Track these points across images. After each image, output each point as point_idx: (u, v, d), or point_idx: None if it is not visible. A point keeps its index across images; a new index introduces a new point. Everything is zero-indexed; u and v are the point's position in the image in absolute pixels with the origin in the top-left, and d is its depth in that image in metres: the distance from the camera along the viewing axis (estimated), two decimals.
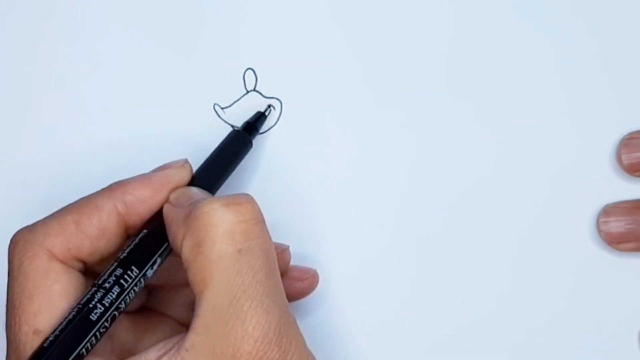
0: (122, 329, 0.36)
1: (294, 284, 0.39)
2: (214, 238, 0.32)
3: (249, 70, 0.42)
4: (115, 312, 0.33)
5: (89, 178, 0.38)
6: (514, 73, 0.42)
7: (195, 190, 0.36)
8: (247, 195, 0.33)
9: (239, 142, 0.40)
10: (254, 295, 0.32)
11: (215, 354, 0.31)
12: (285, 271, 0.39)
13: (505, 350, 0.41)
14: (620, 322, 0.41)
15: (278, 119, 0.42)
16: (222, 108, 0.42)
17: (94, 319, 0.32)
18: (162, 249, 0.35)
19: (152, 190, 0.35)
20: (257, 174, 0.42)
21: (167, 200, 0.35)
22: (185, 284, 0.37)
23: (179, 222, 0.33)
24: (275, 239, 0.40)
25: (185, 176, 0.36)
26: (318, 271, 0.41)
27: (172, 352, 0.32)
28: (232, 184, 0.41)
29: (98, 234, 0.34)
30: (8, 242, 0.35)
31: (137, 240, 0.35)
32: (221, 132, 0.40)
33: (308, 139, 0.42)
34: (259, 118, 0.41)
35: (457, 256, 0.41)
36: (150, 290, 0.39)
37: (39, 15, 0.42)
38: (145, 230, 0.35)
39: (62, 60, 0.42)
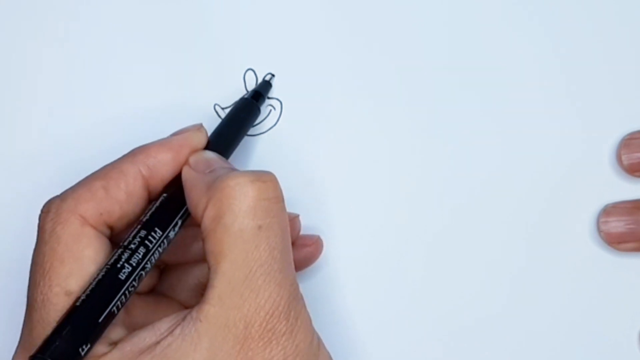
0: (135, 307, 0.36)
1: (302, 250, 0.40)
2: (236, 212, 0.33)
3: (249, 71, 0.42)
4: (142, 272, 0.34)
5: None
6: (515, 73, 0.42)
7: (212, 155, 0.37)
8: (271, 173, 0.34)
9: (248, 109, 0.40)
10: (269, 270, 0.32)
11: (228, 325, 0.32)
12: (295, 239, 0.40)
13: (505, 350, 0.41)
14: (620, 322, 0.41)
15: (278, 119, 0.42)
16: (222, 108, 0.42)
17: (122, 278, 0.33)
18: (182, 211, 0.35)
19: (173, 153, 0.36)
20: None
21: (186, 163, 0.36)
22: (197, 261, 0.38)
23: (201, 190, 0.34)
24: None
25: (202, 139, 0.37)
26: (318, 272, 0.41)
27: (185, 322, 0.32)
28: None
29: (126, 198, 0.35)
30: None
31: (158, 203, 0.35)
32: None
33: (308, 139, 0.42)
34: (265, 86, 0.42)
35: (457, 255, 0.41)
36: (161, 273, 0.39)
37: (40, 14, 0.43)
38: (165, 194, 0.36)
39: (62, 60, 0.42)
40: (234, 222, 0.33)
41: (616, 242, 0.41)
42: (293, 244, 0.39)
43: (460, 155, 0.42)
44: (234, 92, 0.42)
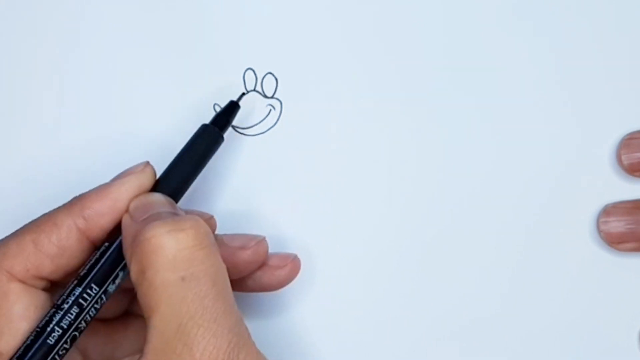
0: (98, 339, 0.36)
1: (274, 272, 0.39)
2: (156, 266, 0.31)
3: (249, 70, 0.42)
4: (76, 333, 0.33)
5: (89, 177, 0.38)
6: (514, 73, 0.42)
7: (155, 198, 0.35)
8: (193, 218, 0.33)
9: (207, 138, 0.38)
10: (200, 321, 0.31)
11: None
12: (264, 262, 0.39)
13: (505, 350, 0.41)
14: (620, 322, 0.41)
15: (278, 119, 0.42)
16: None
17: (51, 342, 0.32)
18: (124, 263, 0.34)
19: (111, 201, 0.35)
20: (257, 173, 0.42)
21: (127, 210, 0.35)
22: None
23: (128, 241, 0.33)
24: (274, 240, 0.40)
25: (146, 181, 0.36)
26: (318, 273, 0.41)
27: None
28: (231, 184, 0.41)
29: (58, 252, 0.34)
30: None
31: (97, 254, 0.34)
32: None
33: (308, 139, 0.42)
34: (229, 108, 0.39)
35: (457, 255, 0.41)
36: (133, 294, 0.39)
37: (39, 15, 0.42)
38: (106, 244, 0.34)
39: (62, 60, 0.42)
40: (155, 277, 0.31)
41: (616, 242, 0.41)
42: (262, 265, 0.38)
43: (460, 156, 0.42)
44: (234, 92, 0.42)
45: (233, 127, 0.41)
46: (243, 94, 0.41)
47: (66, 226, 0.34)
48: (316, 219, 0.41)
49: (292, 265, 0.39)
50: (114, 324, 0.37)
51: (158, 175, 0.37)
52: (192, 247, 0.32)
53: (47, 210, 0.35)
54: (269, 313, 0.41)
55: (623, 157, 0.41)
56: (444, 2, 0.42)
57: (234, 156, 0.41)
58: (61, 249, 0.34)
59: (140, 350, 0.32)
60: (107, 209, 0.34)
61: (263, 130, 0.42)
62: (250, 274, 0.38)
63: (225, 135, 0.39)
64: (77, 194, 0.36)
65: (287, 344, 0.41)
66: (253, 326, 0.34)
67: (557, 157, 0.42)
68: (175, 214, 0.34)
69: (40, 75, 0.42)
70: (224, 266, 0.33)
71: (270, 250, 0.39)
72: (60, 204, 0.35)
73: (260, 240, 0.38)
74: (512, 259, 0.41)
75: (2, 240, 0.34)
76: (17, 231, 0.35)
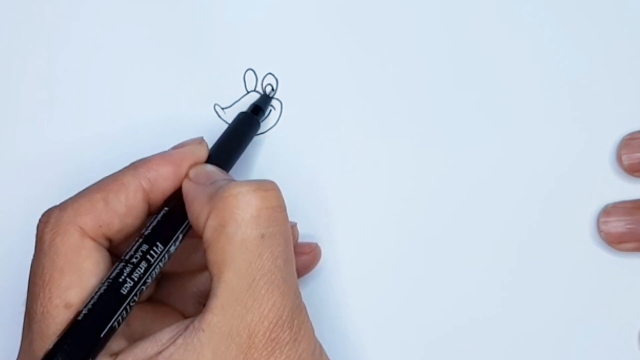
0: (134, 316, 0.36)
1: (299, 258, 0.40)
2: (239, 221, 0.32)
3: (249, 71, 0.42)
4: (143, 287, 0.34)
5: (89, 177, 0.38)
6: (514, 73, 0.42)
7: (212, 168, 0.37)
8: (273, 182, 0.34)
9: (248, 122, 0.40)
10: (272, 279, 0.32)
11: (232, 334, 0.32)
12: (294, 247, 0.39)
13: (505, 350, 0.41)
14: (620, 322, 0.41)
15: (278, 119, 0.42)
16: (223, 108, 0.42)
17: (124, 292, 0.33)
18: (184, 225, 0.35)
19: (174, 166, 0.36)
20: (256, 173, 0.42)
21: (186, 177, 0.36)
22: (195, 271, 0.38)
23: (203, 201, 0.34)
24: None
25: (203, 153, 0.37)
26: (318, 273, 0.41)
27: (187, 332, 0.32)
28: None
29: (126, 211, 0.35)
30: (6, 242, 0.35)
31: (159, 217, 0.35)
32: (222, 132, 0.40)
33: (308, 139, 0.42)
34: (265, 100, 0.42)
35: (457, 255, 0.41)
36: (159, 281, 0.39)
37: (40, 14, 0.42)
38: (166, 208, 0.35)
39: (62, 60, 0.42)
40: (237, 232, 0.32)
41: (616, 242, 0.41)
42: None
43: (461, 156, 0.42)
44: (234, 92, 0.42)
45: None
46: (273, 88, 0.42)
47: (134, 186, 0.35)
48: (316, 219, 0.42)
49: (315, 252, 0.41)
50: (144, 307, 0.38)
51: None
52: (274, 207, 0.33)
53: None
54: None
55: (623, 157, 0.41)
56: (445, 4, 0.42)
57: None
58: (129, 208, 0.35)
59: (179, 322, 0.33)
60: (170, 173, 0.36)
61: (263, 131, 0.42)
62: None
63: None
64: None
65: None
66: None
67: (557, 157, 0.42)
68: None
69: (34, 74, 0.42)
70: (291, 231, 0.35)
71: None
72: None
73: (294, 225, 0.40)
74: (512, 258, 0.41)
75: (71, 198, 0.35)
76: (85, 190, 0.35)
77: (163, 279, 0.39)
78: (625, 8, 0.42)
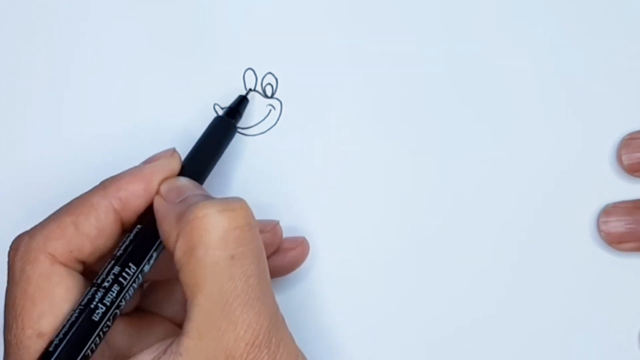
0: (116, 332, 0.36)
1: (287, 254, 0.40)
2: (207, 244, 0.32)
3: (249, 70, 0.42)
4: (117, 311, 0.33)
5: (88, 177, 0.38)
6: (514, 74, 0.42)
7: (185, 182, 0.36)
8: (241, 200, 0.33)
9: (223, 127, 0.40)
10: (245, 299, 0.32)
11: (208, 358, 0.32)
12: (279, 246, 0.40)
13: (505, 350, 0.41)
14: (620, 322, 0.41)
15: (278, 119, 0.42)
16: (222, 108, 0.42)
17: (96, 319, 0.33)
18: (157, 243, 0.35)
19: (145, 183, 0.35)
20: (256, 173, 0.42)
21: (158, 192, 0.35)
22: None
23: (172, 221, 0.33)
24: None
25: (175, 166, 0.36)
26: (317, 273, 0.41)
27: (165, 356, 0.32)
28: (231, 184, 0.41)
29: (97, 233, 0.34)
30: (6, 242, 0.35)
31: (131, 236, 0.35)
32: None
33: (308, 139, 0.42)
34: (241, 102, 0.41)
35: (456, 255, 0.41)
36: (145, 290, 0.39)
37: (38, 14, 0.42)
38: (139, 226, 0.35)
39: (62, 59, 0.42)
40: (205, 255, 0.32)
41: (616, 242, 0.41)
42: (277, 249, 0.39)
43: (459, 156, 0.42)
44: (234, 91, 0.42)
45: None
46: (250, 89, 0.41)
47: (104, 207, 0.34)
48: (316, 219, 0.41)
49: (302, 246, 0.40)
50: (129, 319, 0.37)
51: None
52: (242, 227, 0.33)
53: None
54: None
55: (623, 157, 0.41)
56: (446, 5, 0.42)
57: (234, 156, 0.41)
58: (100, 229, 0.34)
59: (158, 343, 0.33)
60: (141, 190, 0.35)
61: (263, 130, 0.42)
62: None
63: None
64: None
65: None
66: None
67: (557, 157, 0.42)
68: (210, 197, 0.35)
69: (41, 74, 0.42)
70: (264, 247, 0.34)
71: None
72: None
73: (276, 224, 0.40)
74: (512, 258, 0.41)
75: (41, 223, 0.35)
76: (54, 214, 0.35)
77: (150, 287, 0.39)
78: (625, 8, 0.42)
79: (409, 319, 0.41)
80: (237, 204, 0.33)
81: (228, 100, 0.42)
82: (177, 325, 0.38)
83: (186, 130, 0.41)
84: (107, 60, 0.42)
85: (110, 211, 0.34)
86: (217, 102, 0.42)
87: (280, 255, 0.40)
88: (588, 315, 0.41)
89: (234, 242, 0.32)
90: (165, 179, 0.36)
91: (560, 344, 0.41)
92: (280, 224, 0.40)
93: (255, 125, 0.42)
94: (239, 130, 0.41)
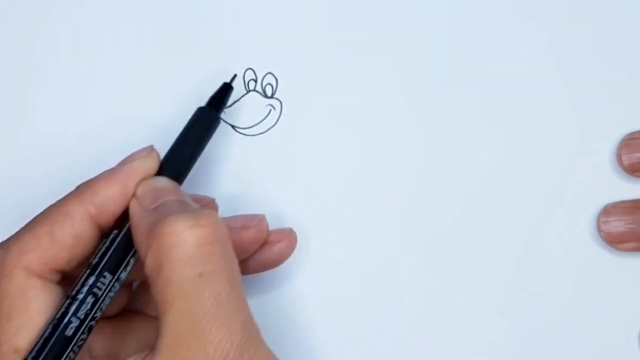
0: (102, 338, 0.36)
1: (273, 247, 0.39)
2: (175, 261, 0.31)
3: (249, 70, 0.42)
4: (92, 323, 0.33)
5: (86, 176, 0.38)
6: (514, 73, 0.42)
7: (162, 183, 0.35)
8: (211, 214, 0.33)
9: (205, 120, 0.38)
10: (215, 317, 0.31)
11: None
12: (265, 240, 0.39)
13: (505, 350, 0.41)
14: (620, 322, 0.41)
15: (278, 119, 0.42)
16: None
17: (69, 334, 0.32)
18: (134, 249, 0.34)
19: (120, 186, 0.34)
20: (256, 173, 0.42)
21: (134, 195, 0.35)
22: None
23: (143, 232, 0.33)
24: None
25: (153, 165, 0.36)
26: (316, 273, 0.41)
27: None
28: (231, 183, 0.41)
29: (73, 241, 0.34)
30: None
31: (107, 242, 0.34)
32: (222, 132, 0.40)
33: (308, 139, 0.42)
34: (224, 90, 0.39)
35: (456, 256, 0.41)
36: (134, 291, 0.39)
37: (35, 12, 0.42)
38: (115, 231, 0.34)
39: (62, 59, 0.42)
40: (173, 272, 0.31)
41: (616, 242, 0.41)
42: (264, 244, 0.39)
43: (460, 156, 0.42)
44: (234, 91, 0.41)
45: (233, 127, 0.41)
46: (235, 75, 0.40)
47: (79, 215, 0.34)
48: (316, 219, 0.41)
49: (289, 238, 0.40)
50: (117, 321, 0.37)
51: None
52: (210, 244, 0.32)
53: (41, 202, 0.35)
54: (263, 307, 0.41)
55: (623, 157, 0.41)
56: (446, 4, 0.42)
57: (234, 156, 0.41)
58: (76, 238, 0.34)
59: (146, 346, 0.33)
60: (117, 194, 0.34)
61: (263, 130, 0.42)
62: (252, 254, 0.39)
63: (225, 134, 0.39)
64: (77, 181, 0.35)
65: (282, 333, 0.41)
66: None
67: (557, 157, 0.42)
68: (185, 203, 0.34)
69: (41, 76, 0.42)
70: (237, 261, 0.33)
71: None
72: (55, 194, 0.35)
73: (261, 219, 0.39)
74: (512, 258, 0.41)
75: (16, 235, 0.34)
76: (29, 224, 0.34)
77: (138, 287, 0.39)
78: (624, 8, 0.42)
79: (409, 319, 0.41)
80: (206, 220, 0.32)
81: (228, 100, 0.42)
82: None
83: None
84: (106, 60, 0.42)
85: (86, 218, 0.34)
86: None
87: (267, 249, 0.39)
88: (588, 315, 0.41)
89: (202, 259, 0.32)
90: (142, 179, 0.35)
91: (560, 343, 0.41)
92: (280, 223, 0.40)
93: (255, 125, 0.42)
94: (239, 130, 0.41)
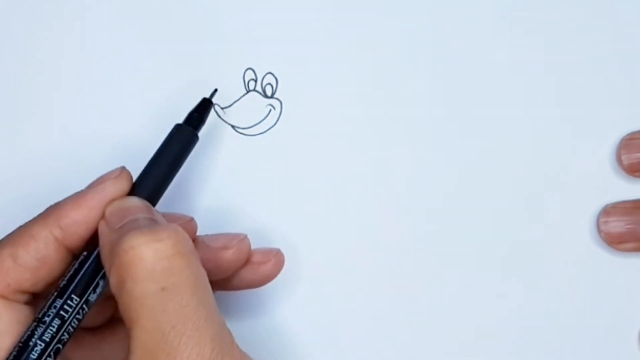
0: (83, 350, 0.35)
1: (258, 268, 0.39)
2: (135, 278, 0.31)
3: (249, 70, 0.42)
4: (59, 345, 0.33)
5: (90, 176, 0.38)
6: (513, 73, 0.42)
7: (132, 203, 0.35)
8: (171, 228, 0.32)
9: (182, 138, 0.37)
10: (182, 330, 0.31)
11: None
12: (247, 260, 0.38)
13: (505, 350, 0.41)
14: (620, 322, 0.41)
15: (278, 119, 0.42)
16: (222, 108, 0.42)
17: (34, 357, 0.32)
18: (103, 271, 0.34)
19: (88, 209, 0.34)
20: (256, 174, 0.42)
21: (103, 216, 0.34)
22: None
23: (107, 251, 0.33)
24: (273, 238, 0.41)
25: (123, 186, 0.35)
26: (315, 273, 0.41)
27: None
28: (231, 184, 0.41)
29: (37, 264, 0.34)
30: None
31: (76, 265, 0.34)
32: (221, 132, 0.40)
33: (308, 139, 0.42)
34: (202, 106, 0.38)
35: (455, 256, 0.41)
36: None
37: (35, 13, 0.42)
38: (85, 253, 0.34)
39: (61, 58, 0.42)
40: (134, 288, 0.31)
41: (616, 242, 0.41)
42: (249, 263, 0.38)
43: (459, 157, 0.42)
44: (234, 91, 0.42)
45: (233, 127, 0.42)
46: (215, 90, 0.40)
47: (43, 237, 0.34)
48: (316, 219, 0.41)
49: (275, 259, 0.39)
50: (101, 332, 0.37)
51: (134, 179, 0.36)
52: (170, 257, 0.31)
53: (21, 213, 0.35)
54: (253, 312, 0.41)
55: (623, 157, 0.41)
56: (444, 8, 0.42)
57: (234, 156, 0.41)
58: (40, 261, 0.34)
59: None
60: (83, 217, 0.34)
61: (263, 130, 0.42)
62: (235, 273, 0.38)
63: (224, 135, 0.39)
64: (74, 187, 0.35)
65: (272, 343, 0.41)
66: (238, 326, 0.33)
67: (557, 157, 0.42)
68: (152, 220, 0.34)
69: (41, 76, 0.42)
70: (204, 272, 0.32)
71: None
72: (38, 206, 0.35)
73: (242, 239, 0.38)
74: (511, 258, 0.41)
75: None
76: None
77: None
78: (624, 8, 0.42)
79: (409, 320, 0.41)
80: (164, 233, 0.32)
81: (228, 100, 0.42)
82: None
83: None
84: (106, 59, 0.42)
85: (50, 241, 0.34)
86: (217, 102, 0.42)
87: (250, 270, 0.38)
88: (588, 316, 0.41)
89: (163, 274, 0.31)
90: (111, 202, 0.35)
91: (560, 343, 0.41)
92: (280, 224, 0.40)
93: (255, 125, 0.42)
94: (239, 130, 0.41)
